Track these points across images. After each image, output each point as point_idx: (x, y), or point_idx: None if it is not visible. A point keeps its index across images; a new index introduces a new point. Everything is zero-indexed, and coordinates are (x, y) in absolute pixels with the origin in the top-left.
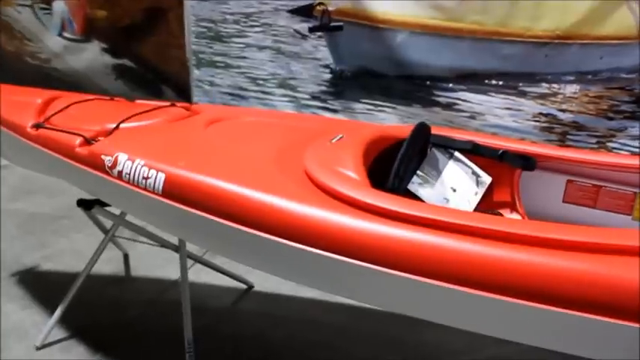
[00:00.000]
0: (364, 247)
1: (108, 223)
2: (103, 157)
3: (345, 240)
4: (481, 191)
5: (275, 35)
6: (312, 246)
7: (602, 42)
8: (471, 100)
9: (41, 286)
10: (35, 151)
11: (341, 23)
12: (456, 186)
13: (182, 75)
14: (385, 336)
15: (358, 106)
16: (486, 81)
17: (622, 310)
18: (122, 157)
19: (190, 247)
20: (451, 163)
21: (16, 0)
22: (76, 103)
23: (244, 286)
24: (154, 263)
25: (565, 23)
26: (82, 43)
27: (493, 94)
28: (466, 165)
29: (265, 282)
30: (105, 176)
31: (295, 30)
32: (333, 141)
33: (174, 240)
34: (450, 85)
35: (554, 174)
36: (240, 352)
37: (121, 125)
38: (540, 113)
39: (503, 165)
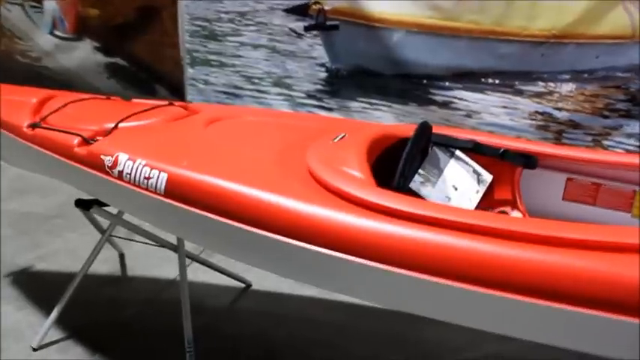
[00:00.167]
0: (372, 247)
1: (104, 223)
2: (102, 157)
3: (352, 239)
4: (482, 189)
5: (270, 34)
6: (319, 245)
7: (597, 41)
8: (468, 98)
9: (36, 287)
10: (32, 151)
11: (337, 22)
12: (457, 184)
13: (176, 74)
14: (386, 334)
15: (354, 104)
16: (483, 80)
17: (622, 305)
18: (122, 157)
19: (187, 246)
20: (452, 162)
21: None
22: (72, 102)
23: (242, 285)
24: (151, 262)
25: (561, 23)
26: (73, 42)
27: (489, 92)
28: (467, 164)
29: (263, 280)
30: (105, 176)
31: (291, 29)
32: (336, 140)
33: (172, 239)
34: (447, 83)
35: (554, 172)
36: (239, 351)
37: (120, 125)
38: (536, 112)
39: (503, 163)
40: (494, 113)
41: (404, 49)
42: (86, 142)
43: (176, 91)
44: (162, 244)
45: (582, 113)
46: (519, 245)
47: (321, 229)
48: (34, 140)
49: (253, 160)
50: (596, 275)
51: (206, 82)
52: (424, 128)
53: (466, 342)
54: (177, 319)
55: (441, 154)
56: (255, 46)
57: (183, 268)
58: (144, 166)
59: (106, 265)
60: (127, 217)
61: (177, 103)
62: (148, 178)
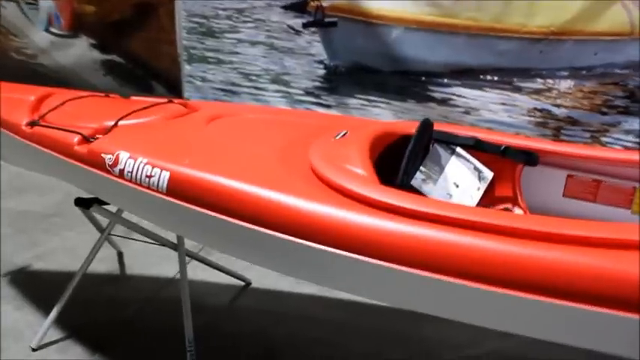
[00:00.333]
0: (376, 244)
1: (102, 221)
2: (103, 155)
3: (356, 237)
4: (483, 186)
5: (268, 31)
6: (323, 243)
7: (596, 38)
8: (466, 95)
9: (34, 286)
10: (31, 149)
11: (335, 19)
12: (458, 181)
13: (173, 71)
14: (386, 332)
15: (352, 101)
16: (481, 76)
17: (622, 302)
18: (123, 156)
19: (186, 244)
20: (453, 159)
21: None
22: (71, 100)
23: (242, 283)
24: (149, 261)
25: (560, 20)
26: (69, 39)
27: (488, 89)
28: (468, 161)
29: (263, 279)
30: (106, 175)
31: (289, 25)
32: (338, 137)
33: (171, 237)
34: (445, 80)
35: (555, 169)
36: (240, 349)
37: (120, 123)
38: (535, 108)
39: (504, 160)
40: (493, 110)
41: (402, 46)
42: (86, 140)
43: (173, 89)
44: (162, 242)
45: (580, 110)
46: (521, 242)
47: (324, 226)
48: (32, 138)
49: (256, 157)
50: (597, 272)
51: (203, 80)
52: (426, 125)
53: (467, 339)
54: (177, 317)
55: (442, 151)
56: (253, 43)
57: (183, 267)
58: (145, 164)
59: (104, 263)
60: (126, 215)
61: (176, 101)
62: (149, 177)
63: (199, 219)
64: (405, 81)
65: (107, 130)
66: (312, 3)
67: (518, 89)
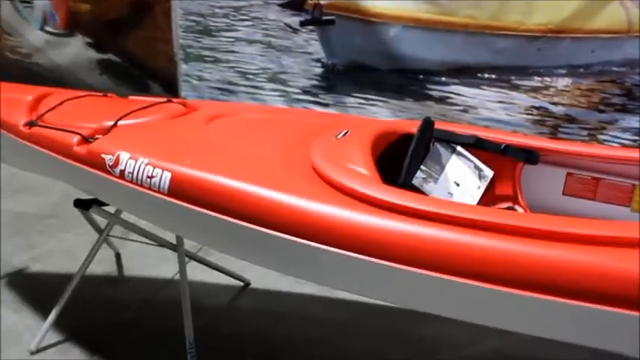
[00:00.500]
0: (379, 244)
1: (100, 222)
2: (103, 155)
3: (359, 236)
4: (483, 185)
5: (265, 29)
6: (325, 243)
7: (593, 36)
8: (464, 93)
9: (32, 288)
10: (29, 150)
11: (333, 17)
12: (459, 180)
13: (169, 70)
14: (387, 331)
15: (350, 100)
16: (479, 75)
17: (622, 299)
18: (124, 156)
19: (185, 245)
20: (454, 158)
21: None
22: (69, 99)
23: (241, 284)
24: (147, 262)
25: (557, 17)
26: (64, 38)
27: (486, 87)
28: (468, 159)
29: (263, 279)
30: (106, 176)
31: (286, 24)
32: (339, 136)
33: (169, 237)
34: (443, 78)
35: (555, 167)
36: (240, 350)
37: (119, 122)
38: (532, 106)
39: (504, 159)
40: (491, 108)
41: (400, 44)
42: (85, 140)
43: (169, 88)
44: (161, 243)
45: (578, 107)
46: (522, 240)
47: (327, 226)
48: (30, 139)
49: (257, 157)
50: (598, 270)
51: (200, 78)
52: (428, 124)
53: (467, 338)
54: (177, 318)
55: (442, 150)
56: (250, 42)
57: (183, 268)
58: (146, 164)
59: (102, 265)
60: (124, 216)
61: (175, 100)
62: (150, 177)
63: (201, 219)
64: (403, 79)
65: (107, 131)
66: (309, 1)
67: (515, 87)
